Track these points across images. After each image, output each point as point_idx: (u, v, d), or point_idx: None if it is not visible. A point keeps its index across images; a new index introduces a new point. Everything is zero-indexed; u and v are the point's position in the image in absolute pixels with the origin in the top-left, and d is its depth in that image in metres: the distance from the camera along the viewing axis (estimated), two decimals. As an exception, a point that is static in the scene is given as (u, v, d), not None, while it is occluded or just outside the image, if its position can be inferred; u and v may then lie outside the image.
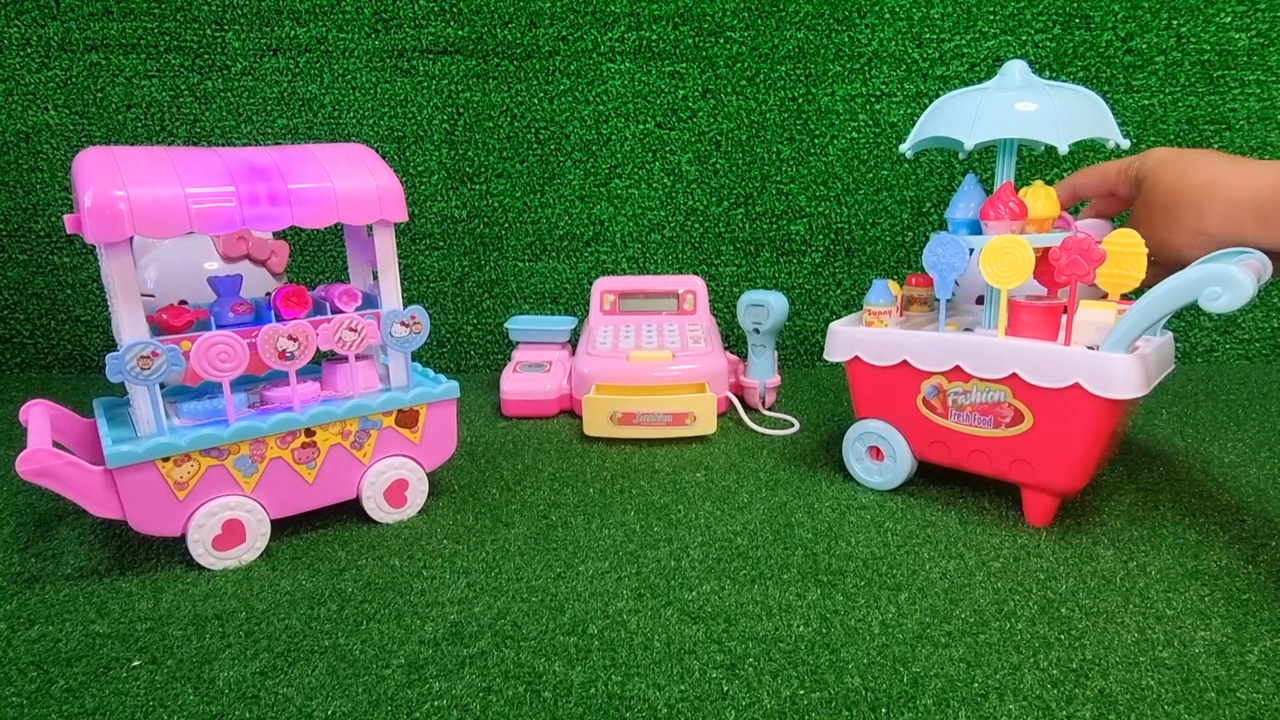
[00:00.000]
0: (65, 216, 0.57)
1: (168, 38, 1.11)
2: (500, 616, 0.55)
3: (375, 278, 0.69)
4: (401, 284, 1.20)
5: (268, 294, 0.69)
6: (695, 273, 1.21)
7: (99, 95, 1.12)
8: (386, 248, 0.68)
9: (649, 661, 0.50)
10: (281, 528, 0.68)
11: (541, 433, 0.94)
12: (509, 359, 1.10)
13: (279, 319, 0.65)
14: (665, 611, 0.55)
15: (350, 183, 0.65)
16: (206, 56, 1.12)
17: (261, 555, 0.64)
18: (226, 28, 1.11)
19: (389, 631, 0.53)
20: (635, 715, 0.45)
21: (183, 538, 0.61)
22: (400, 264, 1.20)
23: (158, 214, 0.56)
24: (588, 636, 0.52)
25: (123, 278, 0.57)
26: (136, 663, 0.50)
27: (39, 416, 0.67)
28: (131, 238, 0.56)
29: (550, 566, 0.62)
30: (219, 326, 0.64)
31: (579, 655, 0.50)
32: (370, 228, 0.68)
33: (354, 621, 0.54)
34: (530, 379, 1.00)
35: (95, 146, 0.61)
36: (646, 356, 0.95)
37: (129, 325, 0.58)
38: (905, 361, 0.70)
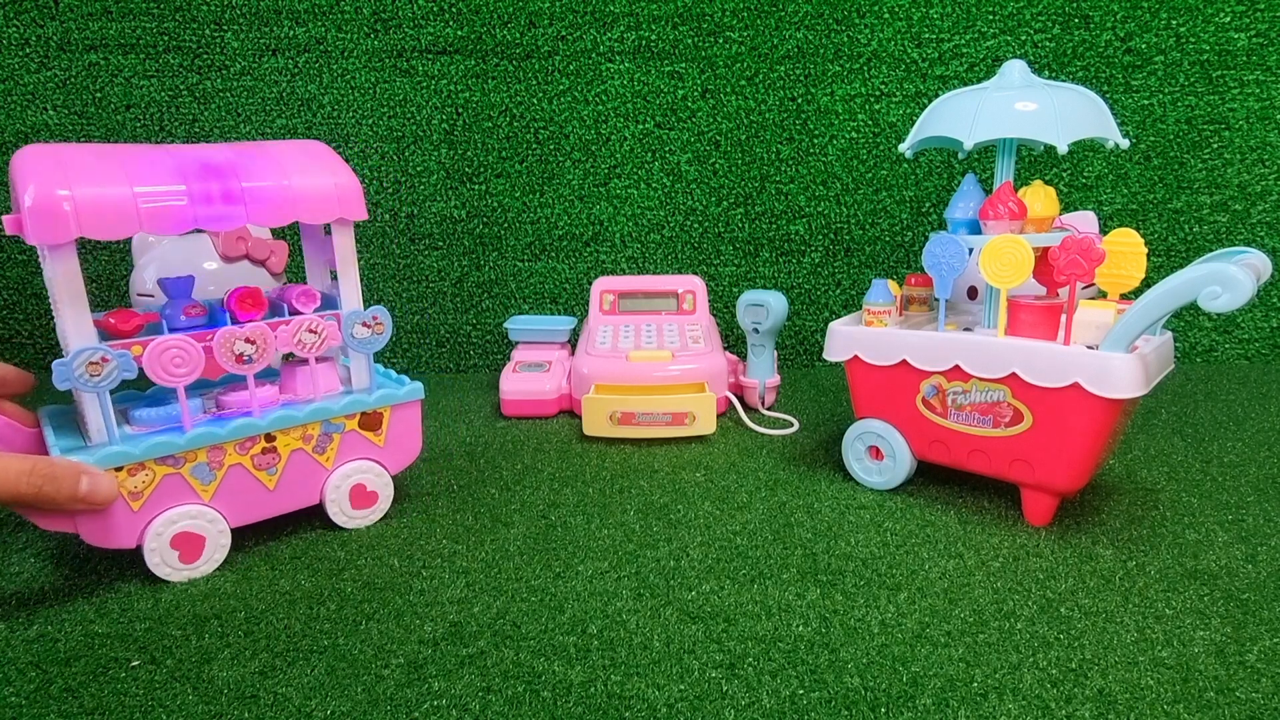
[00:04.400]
0: (4, 217, 0.53)
1: (166, 38, 1.11)
2: (499, 616, 0.55)
3: (334, 277, 0.67)
4: (401, 284, 1.21)
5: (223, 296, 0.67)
6: (695, 273, 1.21)
7: (98, 95, 1.12)
8: (346, 247, 0.66)
9: (648, 661, 0.50)
10: (280, 527, 0.68)
11: (541, 433, 0.94)
12: (508, 359, 1.10)
13: (234, 321, 0.63)
14: (665, 611, 0.55)
15: (307, 180, 0.63)
16: (205, 56, 1.12)
17: (260, 555, 0.64)
18: (225, 28, 1.11)
19: (388, 631, 0.53)
20: (634, 715, 0.45)
21: (138, 549, 0.59)
22: (400, 264, 1.20)
23: (104, 214, 0.54)
24: (587, 636, 0.52)
25: (68, 281, 0.54)
26: (135, 662, 0.50)
27: None
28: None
29: (550, 566, 0.62)
30: (171, 330, 0.62)
31: (578, 655, 0.50)
32: (328, 226, 0.66)
33: (353, 621, 0.54)
34: (530, 379, 1.00)
35: (36, 144, 0.57)
36: (646, 356, 0.95)
37: (75, 331, 0.55)
38: (905, 361, 0.70)
